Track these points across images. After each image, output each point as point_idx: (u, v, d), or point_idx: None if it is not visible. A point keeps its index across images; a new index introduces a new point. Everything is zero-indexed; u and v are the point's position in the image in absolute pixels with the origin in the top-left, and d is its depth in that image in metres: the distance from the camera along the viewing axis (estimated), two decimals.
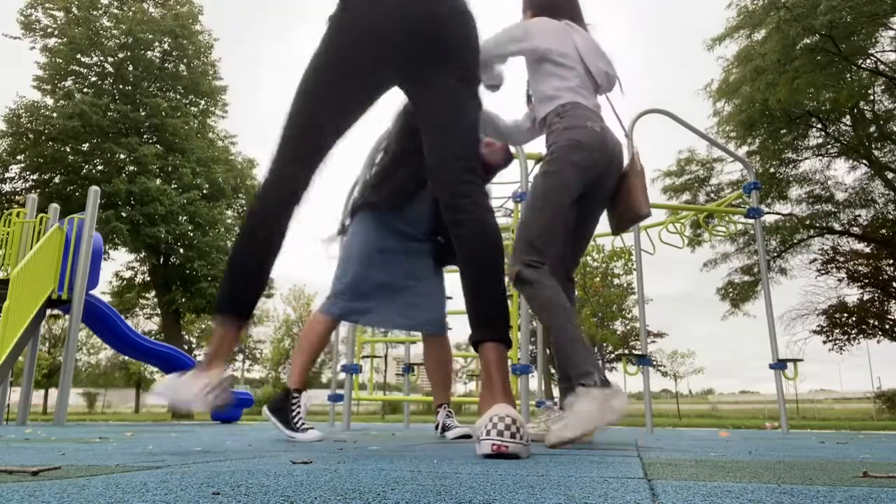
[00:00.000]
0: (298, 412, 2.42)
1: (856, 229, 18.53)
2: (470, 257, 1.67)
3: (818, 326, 20.02)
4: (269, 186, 1.70)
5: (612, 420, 1.81)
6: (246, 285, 1.70)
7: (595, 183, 2.30)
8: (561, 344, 1.96)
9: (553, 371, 28.32)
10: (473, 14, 1.84)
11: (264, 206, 1.69)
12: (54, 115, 18.14)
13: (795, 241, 19.20)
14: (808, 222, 18.80)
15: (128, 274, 21.68)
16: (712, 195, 19.01)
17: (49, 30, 19.68)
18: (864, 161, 17.49)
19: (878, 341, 19.54)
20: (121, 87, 20.39)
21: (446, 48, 1.76)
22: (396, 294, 2.57)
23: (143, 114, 19.79)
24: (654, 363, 33.31)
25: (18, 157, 18.41)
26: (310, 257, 64.28)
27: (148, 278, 21.04)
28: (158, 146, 19.72)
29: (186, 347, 31.75)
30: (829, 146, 18.06)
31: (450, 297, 6.82)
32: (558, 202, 2.21)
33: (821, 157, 18.39)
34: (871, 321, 19.27)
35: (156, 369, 10.89)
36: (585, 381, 1.83)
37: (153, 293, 21.74)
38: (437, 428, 2.83)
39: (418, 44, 1.73)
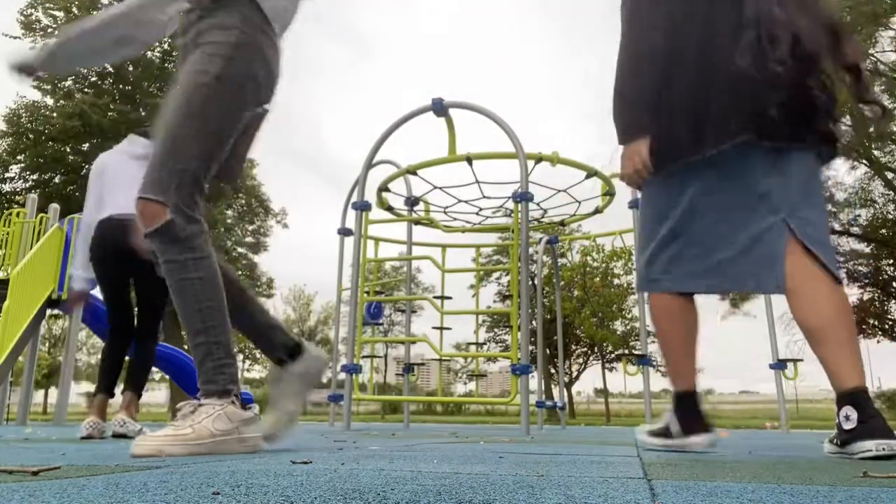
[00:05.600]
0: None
1: (856, 229, 18.52)
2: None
3: None
4: None
5: None
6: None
7: None
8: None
9: (553, 371, 28.30)
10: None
11: None
12: (54, 114, 18.13)
13: None
14: None
15: None
16: None
17: (49, 30, 19.67)
18: (864, 161, 17.48)
19: (878, 341, 19.52)
20: (121, 87, 20.38)
21: None
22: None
23: (143, 114, 19.78)
24: (654, 363, 33.25)
25: (18, 157, 18.41)
26: (310, 257, 64.20)
27: None
28: None
29: (186, 347, 31.67)
30: None
31: (449, 297, 6.75)
32: None
33: None
34: (871, 321, 19.25)
35: (155, 369, 10.90)
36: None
37: None
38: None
39: None
